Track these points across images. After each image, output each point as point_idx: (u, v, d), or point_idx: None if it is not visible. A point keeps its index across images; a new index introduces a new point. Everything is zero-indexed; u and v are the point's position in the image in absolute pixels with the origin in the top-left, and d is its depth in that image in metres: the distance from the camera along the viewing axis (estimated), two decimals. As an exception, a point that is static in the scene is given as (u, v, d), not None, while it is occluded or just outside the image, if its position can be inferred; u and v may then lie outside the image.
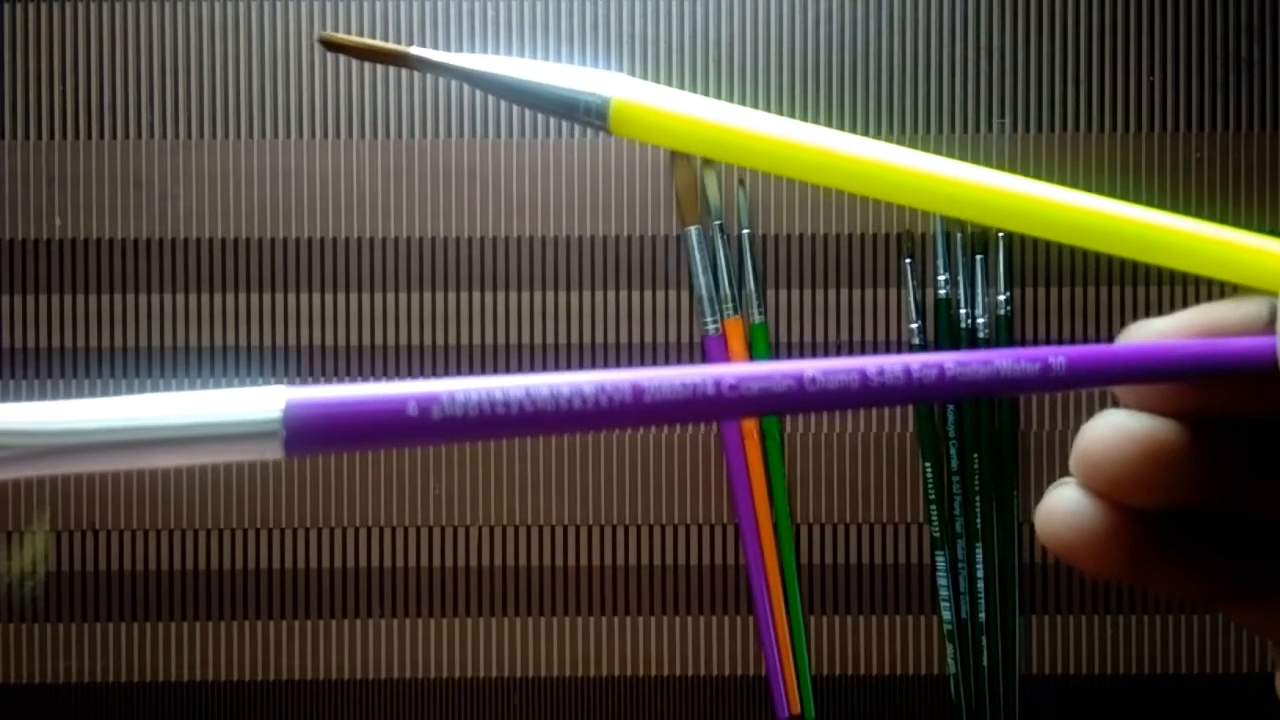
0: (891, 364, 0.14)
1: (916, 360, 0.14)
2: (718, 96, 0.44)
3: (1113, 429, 0.16)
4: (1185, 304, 0.43)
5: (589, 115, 0.18)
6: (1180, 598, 0.16)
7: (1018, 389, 0.15)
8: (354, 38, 0.19)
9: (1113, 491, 0.16)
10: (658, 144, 0.18)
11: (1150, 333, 0.16)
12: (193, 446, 0.13)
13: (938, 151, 0.45)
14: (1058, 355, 0.15)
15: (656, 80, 0.44)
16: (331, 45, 0.19)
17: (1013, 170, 0.47)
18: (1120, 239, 0.17)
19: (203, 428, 0.13)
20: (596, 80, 0.18)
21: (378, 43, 0.19)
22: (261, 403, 0.13)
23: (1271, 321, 0.14)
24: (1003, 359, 0.15)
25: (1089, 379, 0.15)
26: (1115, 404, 0.16)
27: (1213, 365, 0.15)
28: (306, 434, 0.13)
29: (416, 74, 0.43)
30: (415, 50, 0.19)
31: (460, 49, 0.44)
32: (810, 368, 0.14)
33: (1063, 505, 0.16)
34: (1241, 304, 0.16)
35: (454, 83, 0.43)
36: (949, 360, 0.14)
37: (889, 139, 0.44)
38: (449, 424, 0.13)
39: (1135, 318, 0.44)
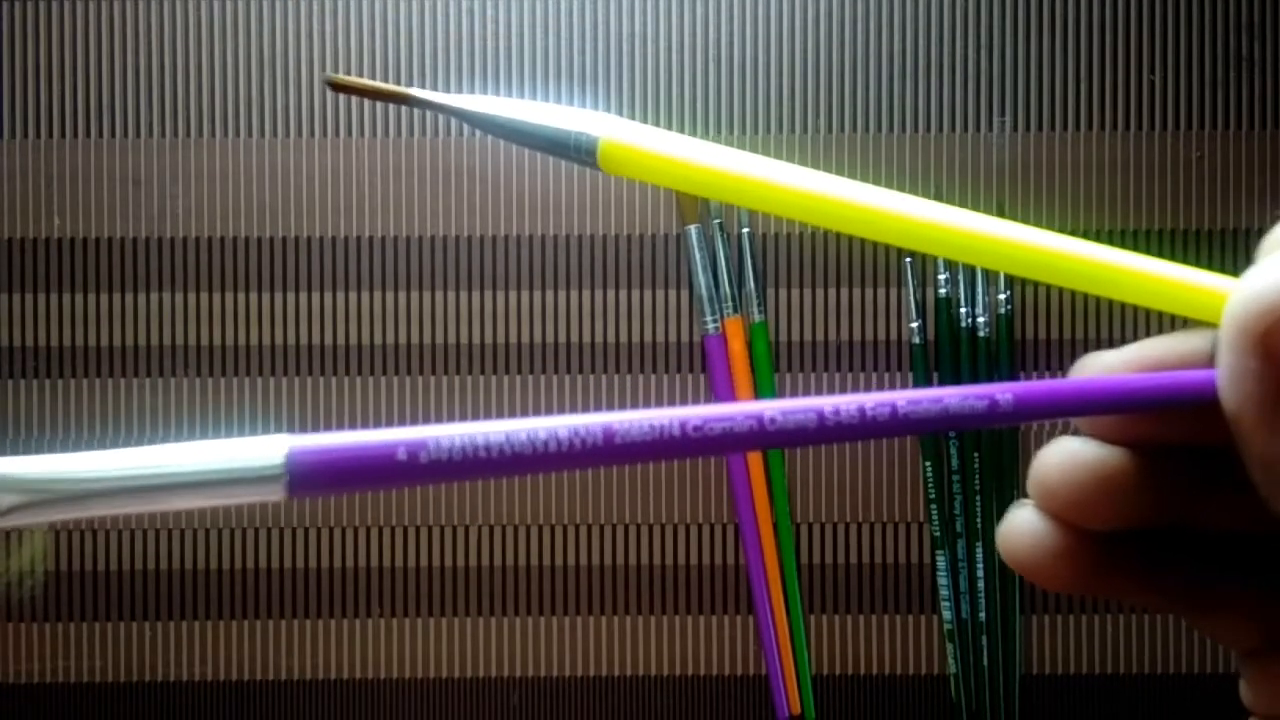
0: (847, 404, 0.15)
1: (870, 400, 0.15)
2: (716, 97, 0.44)
3: (1065, 456, 0.17)
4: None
5: (579, 153, 0.19)
6: (1139, 607, 0.17)
7: (966, 424, 0.16)
8: (359, 80, 0.21)
9: (1067, 515, 0.17)
10: (645, 181, 0.19)
11: (1101, 366, 0.17)
12: (202, 490, 0.14)
13: (938, 150, 0.45)
14: (1005, 392, 0.16)
15: (656, 81, 0.44)
16: (337, 87, 0.21)
17: (1011, 169, 0.47)
18: (1077, 275, 0.17)
19: (212, 474, 0.14)
20: (586, 120, 0.19)
21: (381, 85, 0.20)
22: (267, 450, 0.14)
23: (1214, 355, 0.15)
24: (952, 397, 0.15)
25: (1036, 414, 0.16)
26: (1075, 430, 0.17)
27: (1157, 398, 0.16)
28: (308, 478, 0.14)
29: (415, 73, 0.43)
30: (416, 91, 0.20)
31: (464, 50, 0.44)
32: (770, 409, 0.15)
33: (1020, 527, 0.17)
34: (1188, 337, 0.16)
35: (454, 80, 0.43)
36: (901, 399, 0.15)
37: (888, 138, 0.44)
38: (435, 467, 0.15)
39: (1136, 317, 0.44)
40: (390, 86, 0.20)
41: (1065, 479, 0.16)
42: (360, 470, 0.14)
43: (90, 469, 0.15)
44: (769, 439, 0.15)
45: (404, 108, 0.44)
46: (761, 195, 0.18)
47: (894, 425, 0.15)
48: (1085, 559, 0.17)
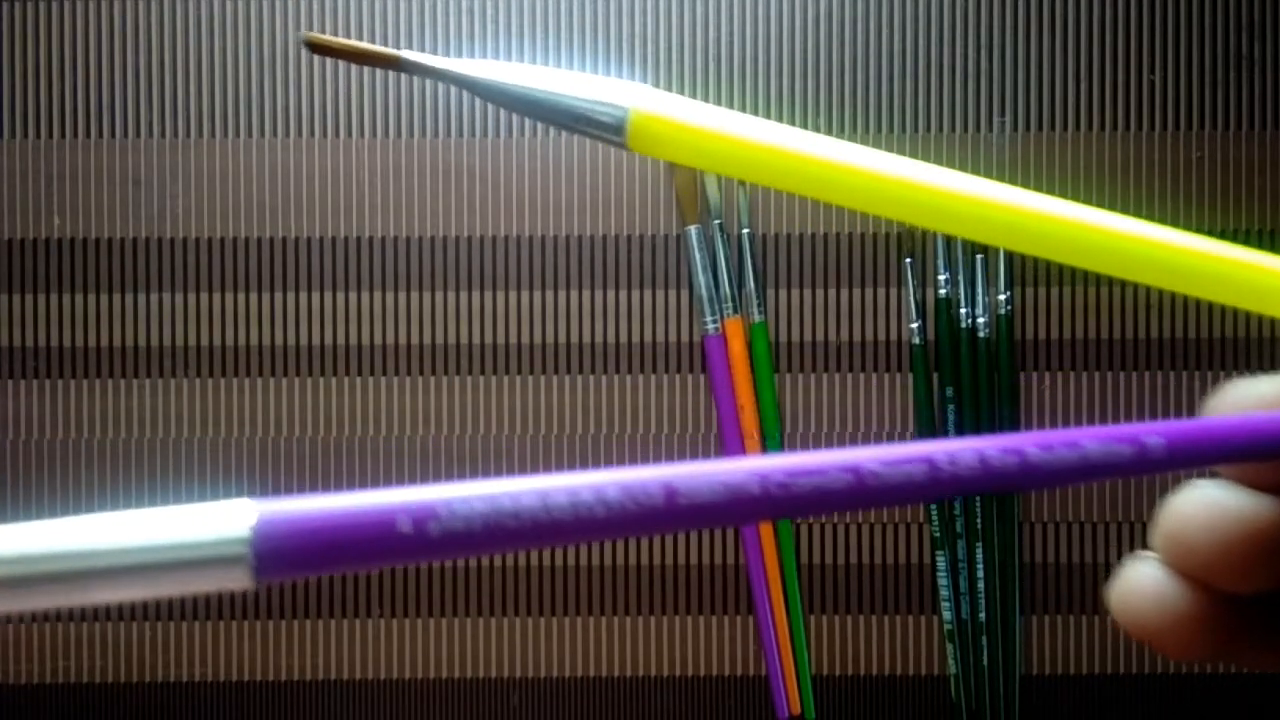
0: (963, 451, 0.12)
1: (993, 445, 0.13)
2: (716, 96, 0.44)
3: (1208, 507, 0.14)
4: (1193, 304, 0.43)
5: (604, 130, 0.16)
6: (1274, 672, 0.15)
7: (1108, 475, 0.13)
8: (341, 40, 0.18)
9: (1207, 576, 0.14)
10: (681, 162, 0.16)
11: (1255, 398, 0.14)
12: (127, 579, 0.11)
13: (938, 150, 0.45)
14: (1154, 434, 0.13)
15: (655, 81, 0.44)
16: (317, 47, 0.18)
17: (1012, 169, 0.46)
18: (1162, 269, 0.15)
19: (143, 553, 0.11)
20: (613, 91, 0.16)
21: (367, 46, 0.17)
22: (225, 522, 0.11)
23: None
24: (1091, 441, 0.13)
25: (1192, 459, 0.13)
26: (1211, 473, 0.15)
27: None
28: (280, 558, 0.11)
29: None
30: (408, 54, 0.17)
31: (459, 46, 0.44)
32: (869, 459, 0.12)
33: (1145, 587, 0.14)
34: None
35: (454, 82, 0.43)
36: (1030, 445, 0.13)
37: (888, 138, 0.44)
38: (450, 540, 0.11)
39: (1137, 317, 0.43)
40: (378, 48, 0.17)
41: (1209, 535, 0.14)
42: (352, 547, 0.11)
43: None
44: (869, 496, 0.12)
45: (403, 107, 0.43)
46: (828, 180, 0.15)
47: (1022, 477, 0.13)
48: (1223, 624, 0.14)
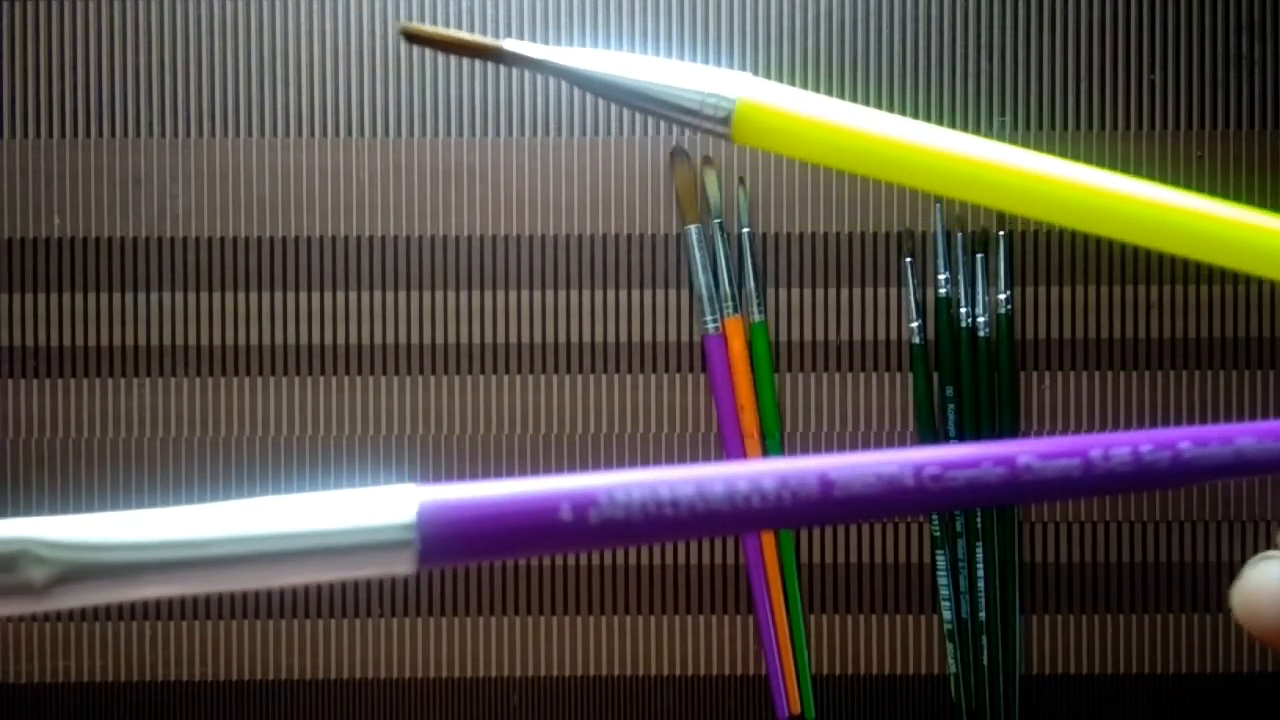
0: (1117, 446, 0.13)
1: (1145, 440, 0.13)
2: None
3: None
4: (1193, 304, 0.43)
5: (709, 122, 0.16)
6: None
7: (1263, 470, 0.13)
8: (440, 30, 0.17)
9: None
10: (787, 154, 0.16)
11: None
12: (292, 564, 0.11)
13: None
14: None
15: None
16: (414, 37, 0.17)
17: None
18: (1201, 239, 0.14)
19: (309, 538, 0.11)
20: (718, 81, 0.16)
21: (467, 36, 0.17)
22: (389, 508, 0.11)
23: None
24: (1245, 438, 0.13)
25: None
26: None
27: None
28: (443, 543, 0.11)
29: (415, 72, 0.43)
30: (509, 45, 0.16)
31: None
32: (1024, 452, 0.12)
33: (1271, 586, 0.14)
34: None
35: (454, 79, 0.43)
36: (1184, 441, 0.13)
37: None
38: (609, 528, 0.11)
39: (1137, 317, 0.44)
40: (478, 39, 0.17)
41: None
42: (513, 533, 0.11)
43: (152, 535, 0.11)
44: (1023, 490, 0.12)
45: (403, 106, 0.44)
46: (947, 172, 0.15)
47: (1175, 473, 0.13)
48: None
